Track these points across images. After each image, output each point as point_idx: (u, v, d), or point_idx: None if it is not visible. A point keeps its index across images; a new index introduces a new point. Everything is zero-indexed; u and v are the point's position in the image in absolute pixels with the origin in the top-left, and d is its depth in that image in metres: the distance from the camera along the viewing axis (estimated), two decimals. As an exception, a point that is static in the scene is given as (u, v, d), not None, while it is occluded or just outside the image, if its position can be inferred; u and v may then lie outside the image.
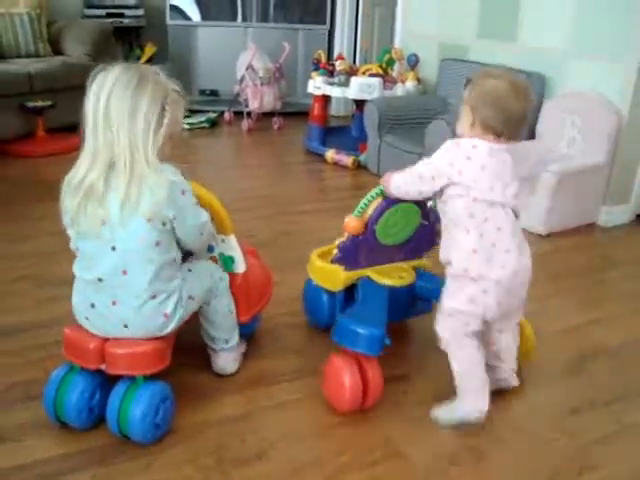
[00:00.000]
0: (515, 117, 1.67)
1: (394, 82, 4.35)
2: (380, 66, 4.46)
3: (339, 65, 4.40)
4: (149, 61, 5.63)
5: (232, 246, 1.92)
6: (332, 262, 2.02)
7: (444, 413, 1.77)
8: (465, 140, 1.72)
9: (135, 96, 1.51)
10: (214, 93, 5.65)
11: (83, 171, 1.55)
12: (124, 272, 1.58)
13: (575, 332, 2.33)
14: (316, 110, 4.53)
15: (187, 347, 2.06)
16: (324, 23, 5.83)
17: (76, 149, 4.75)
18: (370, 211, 1.95)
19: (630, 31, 3.14)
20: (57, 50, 4.95)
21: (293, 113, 5.65)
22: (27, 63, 4.51)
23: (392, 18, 5.62)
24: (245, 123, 5.21)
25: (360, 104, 4.45)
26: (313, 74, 4.54)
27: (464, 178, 1.68)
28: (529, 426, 1.79)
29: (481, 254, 1.68)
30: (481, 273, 1.68)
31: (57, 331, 2.12)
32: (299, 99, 5.81)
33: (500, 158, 1.69)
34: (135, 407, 1.61)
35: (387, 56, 4.55)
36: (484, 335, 1.80)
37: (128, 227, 1.54)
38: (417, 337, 2.25)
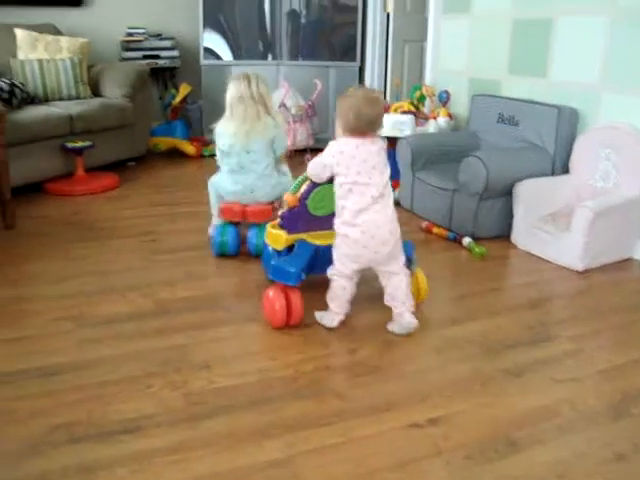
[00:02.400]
0: (369, 119, 2.35)
1: (426, 119, 4.38)
2: (411, 103, 4.48)
3: (371, 103, 4.44)
4: (184, 100, 5.75)
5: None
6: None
7: (319, 315, 2.53)
8: (341, 139, 2.41)
9: (264, 87, 3.16)
10: (247, 130, 5.71)
11: (242, 118, 3.12)
12: (253, 162, 3.15)
13: (616, 373, 2.28)
14: (349, 147, 4.56)
15: (224, 394, 2.09)
16: (355, 60, 5.91)
17: (113, 188, 4.93)
18: (302, 190, 2.60)
19: (664, 66, 3.14)
20: (96, 92, 5.08)
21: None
22: (68, 105, 4.64)
23: (422, 54, 5.69)
24: (278, 160, 5.28)
25: (392, 140, 4.47)
26: (345, 112, 4.58)
27: (340, 167, 2.36)
28: (573, 473, 1.75)
29: (350, 222, 2.38)
30: (347, 234, 2.39)
31: (97, 373, 2.18)
32: (331, 136, 5.83)
33: (365, 149, 2.36)
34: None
35: (418, 93, 4.58)
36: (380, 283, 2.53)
37: (259, 141, 3.13)
38: (449, 378, 2.23)
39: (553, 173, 3.64)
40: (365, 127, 2.36)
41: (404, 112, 4.31)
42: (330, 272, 2.49)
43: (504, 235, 3.58)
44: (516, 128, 3.86)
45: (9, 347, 2.35)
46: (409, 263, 2.58)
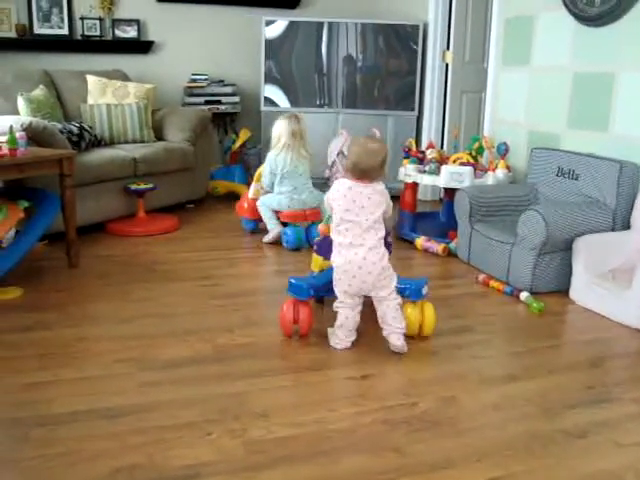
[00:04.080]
0: (365, 167, 2.68)
1: (484, 170, 4.38)
2: (470, 154, 4.50)
3: (430, 153, 4.47)
4: (243, 145, 5.88)
5: None
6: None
7: (330, 330, 2.84)
8: (341, 179, 2.77)
9: (305, 125, 4.28)
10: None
11: (293, 147, 4.25)
12: (302, 184, 4.30)
13: (683, 440, 2.22)
14: (407, 197, 4.56)
15: (283, 444, 2.09)
16: (413, 109, 5.97)
17: (172, 230, 5.10)
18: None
19: None
20: (159, 136, 5.26)
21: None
22: (133, 148, 4.81)
23: (479, 104, 5.72)
24: (334, 206, 5.37)
25: (450, 191, 4.49)
26: (404, 162, 4.61)
27: (335, 203, 2.71)
28: None
29: (341, 253, 2.70)
30: (338, 264, 2.71)
31: (158, 416, 2.21)
32: (388, 183, 5.88)
33: (357, 190, 2.68)
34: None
35: (477, 144, 4.59)
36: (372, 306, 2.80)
37: (304, 164, 4.29)
38: (508, 437, 2.18)
39: (614, 229, 3.59)
40: (359, 174, 2.70)
41: (463, 164, 4.32)
42: (335, 305, 2.79)
43: (562, 290, 3.53)
44: (576, 182, 3.83)
45: (73, 387, 2.40)
46: (418, 295, 2.87)
